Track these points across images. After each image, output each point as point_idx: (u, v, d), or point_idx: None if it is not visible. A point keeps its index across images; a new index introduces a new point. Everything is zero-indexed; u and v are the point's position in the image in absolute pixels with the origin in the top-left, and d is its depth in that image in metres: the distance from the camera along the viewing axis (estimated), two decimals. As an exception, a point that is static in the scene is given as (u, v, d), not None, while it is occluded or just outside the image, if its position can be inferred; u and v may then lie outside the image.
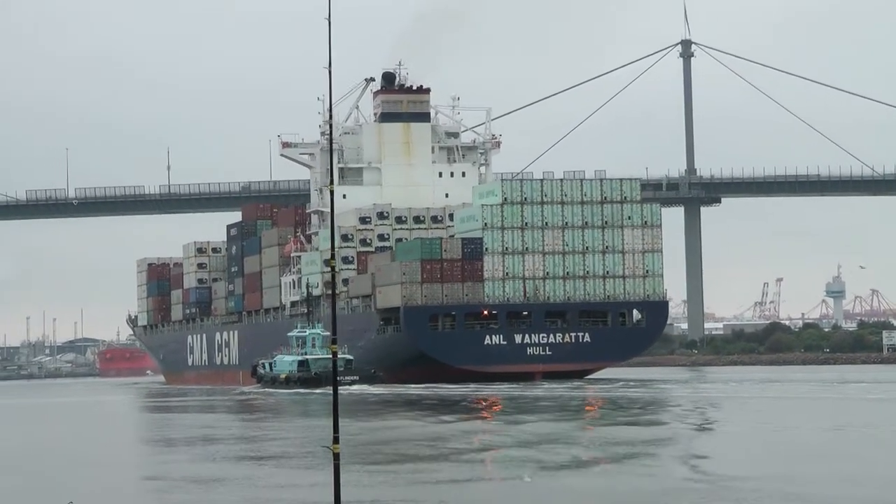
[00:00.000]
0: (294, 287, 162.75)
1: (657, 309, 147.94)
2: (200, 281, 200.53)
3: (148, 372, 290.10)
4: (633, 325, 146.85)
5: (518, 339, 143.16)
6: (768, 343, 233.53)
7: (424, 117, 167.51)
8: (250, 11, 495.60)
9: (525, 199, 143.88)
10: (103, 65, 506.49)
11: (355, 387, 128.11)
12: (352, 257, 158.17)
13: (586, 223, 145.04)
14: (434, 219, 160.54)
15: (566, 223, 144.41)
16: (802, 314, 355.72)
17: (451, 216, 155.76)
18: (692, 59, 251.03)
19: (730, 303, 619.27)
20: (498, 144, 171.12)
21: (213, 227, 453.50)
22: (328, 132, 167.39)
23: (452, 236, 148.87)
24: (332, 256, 24.50)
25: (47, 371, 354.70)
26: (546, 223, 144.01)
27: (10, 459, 56.40)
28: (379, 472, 45.92)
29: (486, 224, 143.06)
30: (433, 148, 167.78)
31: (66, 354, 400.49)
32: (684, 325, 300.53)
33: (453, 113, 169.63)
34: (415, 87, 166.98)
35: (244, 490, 42.38)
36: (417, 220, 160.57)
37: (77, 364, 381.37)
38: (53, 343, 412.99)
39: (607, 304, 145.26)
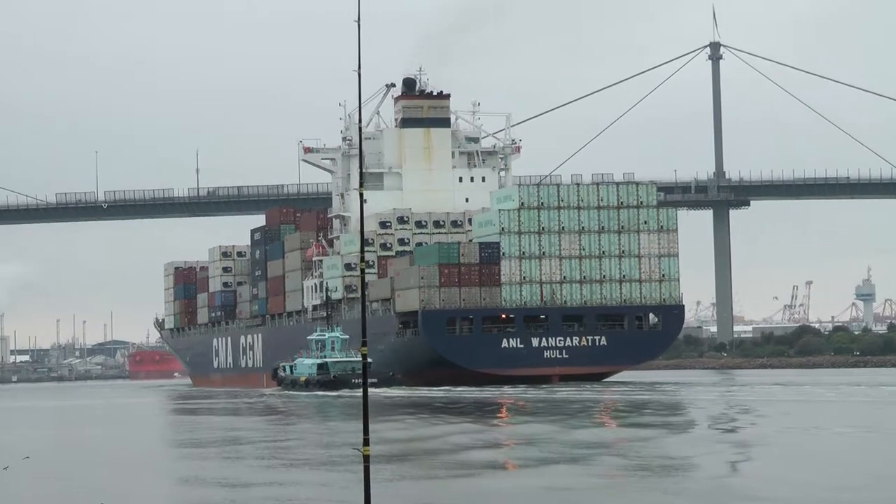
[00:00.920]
0: (316, 291, 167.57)
1: (673, 312, 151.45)
2: (225, 285, 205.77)
3: (175, 374, 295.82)
4: (649, 329, 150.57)
5: (535, 342, 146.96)
6: (798, 346, 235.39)
7: (445, 123, 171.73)
8: (281, 10, 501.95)
9: (542, 203, 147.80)
10: (133, 68, 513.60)
11: (371, 390, 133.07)
12: (372, 261, 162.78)
13: (603, 227, 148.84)
14: (454, 223, 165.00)
15: (583, 227, 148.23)
16: (832, 317, 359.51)
17: (470, 221, 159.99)
18: (721, 61, 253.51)
19: (759, 306, 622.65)
20: (518, 149, 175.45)
21: (241, 230, 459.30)
22: (350, 137, 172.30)
23: (471, 241, 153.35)
24: (362, 259, 25.21)
25: (77, 373, 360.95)
26: (563, 227, 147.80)
27: (42, 462, 56.70)
28: (407, 475, 46.49)
29: (503, 228, 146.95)
30: (453, 153, 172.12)
31: (96, 357, 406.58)
32: (713, 328, 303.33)
33: (473, 118, 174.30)
34: (435, 93, 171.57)
35: (273, 491, 42.98)
36: (437, 224, 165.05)
37: (107, 366, 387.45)
38: (83, 345, 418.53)
39: (624, 307, 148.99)
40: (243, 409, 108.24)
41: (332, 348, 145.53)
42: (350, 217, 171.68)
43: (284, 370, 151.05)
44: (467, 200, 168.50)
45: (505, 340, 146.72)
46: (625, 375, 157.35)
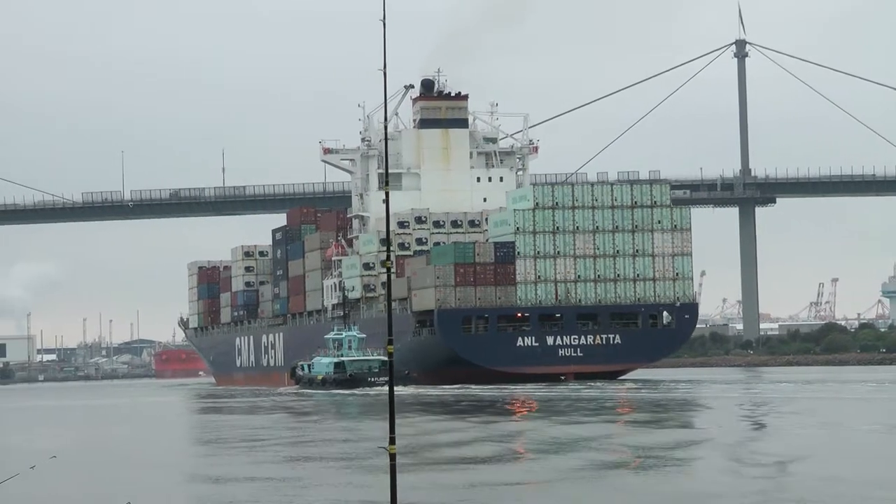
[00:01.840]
0: (335, 290, 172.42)
1: (687, 311, 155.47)
2: (248, 284, 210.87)
3: (200, 373, 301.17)
4: (663, 327, 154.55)
5: (550, 340, 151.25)
6: (824, 343, 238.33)
7: (463, 123, 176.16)
8: (306, 10, 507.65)
9: (556, 203, 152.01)
10: (158, 68, 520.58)
11: (386, 387, 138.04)
12: (391, 261, 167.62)
13: (617, 227, 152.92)
14: (471, 223, 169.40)
15: (597, 227, 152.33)
16: (858, 314, 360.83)
17: (487, 220, 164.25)
18: (746, 59, 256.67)
19: (785, 303, 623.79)
20: (535, 149, 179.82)
21: (265, 230, 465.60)
22: (368, 138, 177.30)
23: (487, 241, 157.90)
24: (388, 258, 25.37)
25: (104, 372, 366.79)
26: (577, 227, 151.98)
27: (69, 461, 57.28)
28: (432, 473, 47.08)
29: (518, 228, 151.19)
30: (471, 153, 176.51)
31: (123, 356, 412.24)
32: (739, 326, 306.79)
33: (491, 119, 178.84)
34: (453, 94, 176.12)
35: (298, 490, 43.39)
36: (455, 224, 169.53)
37: (133, 365, 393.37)
38: (110, 344, 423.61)
39: (638, 306, 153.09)
40: (262, 408, 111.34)
41: (350, 347, 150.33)
42: (369, 217, 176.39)
43: (302, 369, 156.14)
44: (485, 200, 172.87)
45: (520, 339, 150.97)
46: (645, 373, 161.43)
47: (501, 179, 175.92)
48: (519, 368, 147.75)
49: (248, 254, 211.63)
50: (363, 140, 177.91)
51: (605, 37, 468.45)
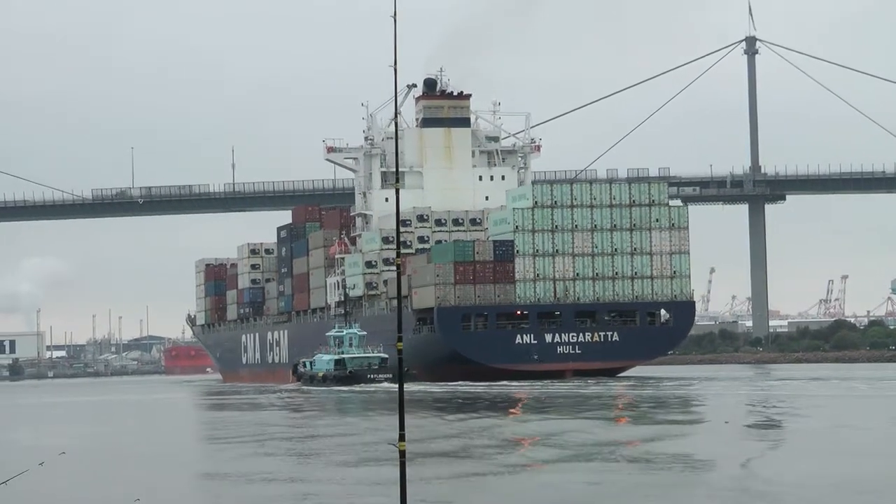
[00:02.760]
0: (338, 288, 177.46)
1: (684, 309, 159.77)
2: (254, 281, 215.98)
3: (208, 370, 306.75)
4: (660, 325, 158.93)
5: (548, 338, 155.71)
6: (833, 340, 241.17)
7: (465, 122, 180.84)
8: (315, 6, 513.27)
9: (555, 202, 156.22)
10: (168, 66, 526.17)
11: (385, 384, 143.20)
12: (393, 259, 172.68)
13: (615, 225, 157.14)
14: (473, 221, 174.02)
15: (595, 225, 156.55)
16: (868, 311, 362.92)
17: (489, 219, 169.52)
18: (756, 55, 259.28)
19: (794, 300, 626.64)
20: (538, 148, 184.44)
21: (273, 227, 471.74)
22: (371, 137, 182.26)
23: (487, 239, 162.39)
24: (398, 254, 25.96)
25: (113, 369, 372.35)
26: (576, 226, 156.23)
27: (77, 458, 57.91)
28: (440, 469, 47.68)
29: (517, 227, 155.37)
30: (473, 152, 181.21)
31: (132, 352, 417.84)
32: (749, 323, 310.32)
33: (494, 118, 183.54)
34: (456, 93, 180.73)
35: (308, 487, 43.97)
36: (456, 222, 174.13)
37: (143, 362, 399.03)
38: (119, 341, 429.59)
39: (635, 304, 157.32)
40: (264, 404, 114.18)
41: (350, 344, 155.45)
42: (372, 215, 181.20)
43: (304, 366, 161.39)
44: (487, 199, 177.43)
45: (519, 336, 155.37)
46: (653, 370, 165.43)
47: (503, 178, 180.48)
48: (518, 366, 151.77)
49: (254, 251, 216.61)
50: (366, 139, 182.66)
51: (614, 34, 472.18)
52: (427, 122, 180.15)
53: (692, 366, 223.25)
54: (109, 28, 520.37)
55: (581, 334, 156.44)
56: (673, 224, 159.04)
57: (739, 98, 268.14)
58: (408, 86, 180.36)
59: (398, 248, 26.03)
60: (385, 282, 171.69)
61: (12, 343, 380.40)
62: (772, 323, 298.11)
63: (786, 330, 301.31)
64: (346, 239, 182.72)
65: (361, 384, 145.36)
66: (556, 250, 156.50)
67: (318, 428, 75.46)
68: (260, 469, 50.42)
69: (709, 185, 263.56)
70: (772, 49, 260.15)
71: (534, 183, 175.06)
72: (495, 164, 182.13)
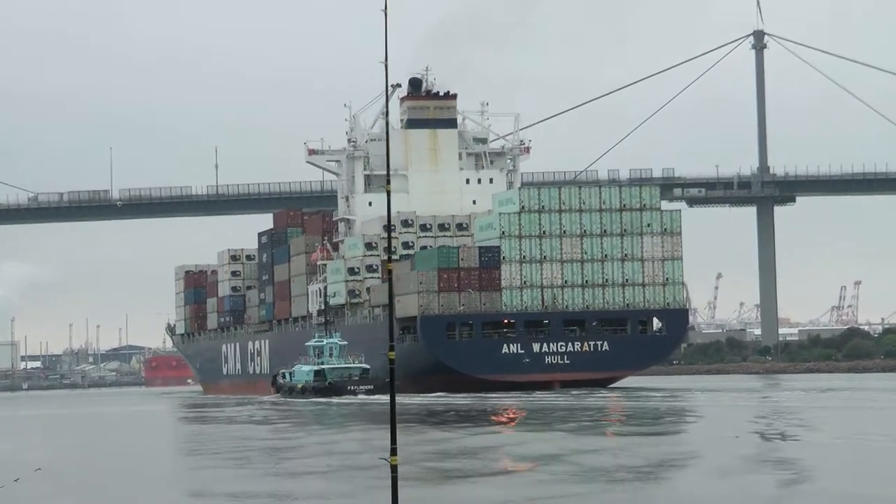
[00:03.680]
0: (319, 296, 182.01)
1: (677, 317, 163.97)
2: (234, 289, 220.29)
3: (189, 381, 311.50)
4: (652, 334, 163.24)
5: (536, 347, 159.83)
6: (846, 349, 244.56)
7: (451, 123, 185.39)
8: (301, 7, 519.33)
9: (543, 207, 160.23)
10: (149, 61, 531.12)
11: (362, 396, 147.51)
12: (376, 266, 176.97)
13: (605, 231, 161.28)
14: (459, 226, 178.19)
15: (584, 231, 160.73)
16: (882, 319, 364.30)
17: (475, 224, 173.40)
18: (765, 50, 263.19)
19: (805, 307, 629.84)
20: (527, 150, 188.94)
21: (257, 232, 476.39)
22: (354, 139, 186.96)
23: (474, 244, 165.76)
24: (389, 259, 26.88)
25: (91, 380, 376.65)
26: (564, 231, 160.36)
27: (54, 474, 58.35)
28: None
29: (503, 232, 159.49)
30: (460, 154, 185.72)
31: (111, 363, 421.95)
32: (757, 331, 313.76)
33: (482, 119, 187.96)
34: (441, 93, 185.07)
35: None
36: (442, 227, 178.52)
37: (122, 373, 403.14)
38: (97, 351, 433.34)
39: (626, 312, 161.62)
40: (238, 418, 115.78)
41: (331, 355, 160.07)
42: (355, 220, 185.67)
43: (284, 377, 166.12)
44: (474, 202, 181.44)
45: (506, 346, 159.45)
46: (656, 381, 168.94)
47: (491, 181, 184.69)
48: (504, 376, 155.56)
49: (234, 258, 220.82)
50: (349, 141, 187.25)
51: (614, 29, 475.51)
52: (412, 124, 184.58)
53: (697, 376, 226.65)
54: (87, 26, 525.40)
55: (570, 344, 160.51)
56: (665, 229, 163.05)
57: (747, 95, 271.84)
58: (392, 86, 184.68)
59: (389, 252, 28.90)
60: (368, 289, 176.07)
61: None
62: (781, 331, 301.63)
63: (796, 338, 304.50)
64: (328, 245, 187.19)
65: (342, 396, 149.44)
66: (544, 256, 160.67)
67: (299, 441, 76.83)
68: (241, 487, 50.52)
69: (715, 187, 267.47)
70: (781, 43, 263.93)
71: (522, 186, 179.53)
72: (483, 167, 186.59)
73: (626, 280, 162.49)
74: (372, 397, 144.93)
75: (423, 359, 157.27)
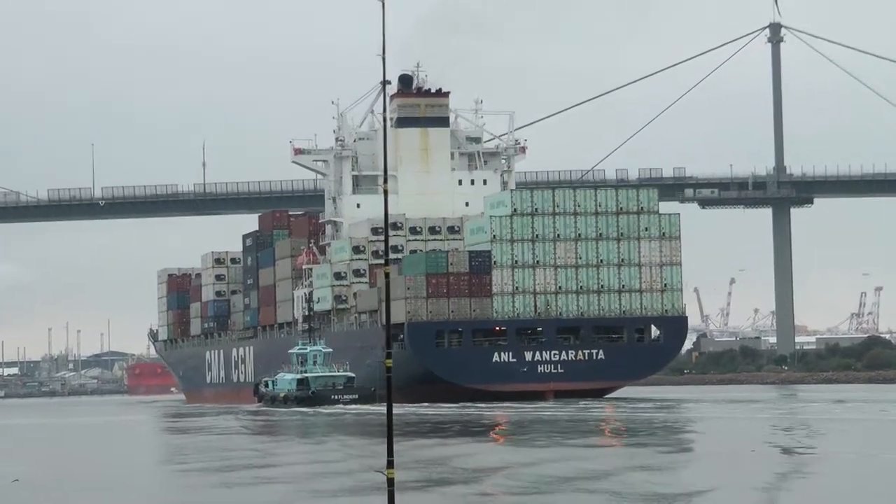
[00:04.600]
0: (305, 301, 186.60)
1: (675, 325, 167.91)
2: (218, 294, 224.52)
3: (172, 389, 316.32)
4: (650, 342, 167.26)
5: (528, 356, 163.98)
6: (866, 359, 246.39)
7: (443, 122, 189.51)
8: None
9: (536, 209, 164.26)
10: (132, 54, 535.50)
11: (351, 406, 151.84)
12: (363, 270, 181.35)
13: (601, 234, 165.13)
14: (451, 229, 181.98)
15: (579, 235, 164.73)
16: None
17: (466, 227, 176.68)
18: (782, 44, 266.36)
19: (823, 314, 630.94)
20: (523, 149, 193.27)
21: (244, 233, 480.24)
22: (342, 138, 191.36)
23: (459, 249, 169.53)
24: (387, 262, 28.10)
25: (71, 388, 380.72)
26: (558, 235, 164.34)
27: (32, 486, 59.59)
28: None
29: (494, 236, 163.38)
30: (453, 154, 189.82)
31: (92, 370, 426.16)
32: (772, 339, 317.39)
33: (475, 117, 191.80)
34: (433, 90, 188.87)
35: None
36: (433, 230, 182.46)
37: (103, 380, 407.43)
38: (77, 357, 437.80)
39: (623, 319, 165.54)
40: (221, 428, 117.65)
41: (314, 363, 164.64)
42: (342, 223, 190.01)
43: (266, 386, 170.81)
44: (467, 205, 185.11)
45: (496, 354, 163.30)
46: (666, 391, 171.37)
47: (485, 182, 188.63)
48: (495, 386, 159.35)
49: (218, 261, 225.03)
50: (337, 140, 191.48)
51: (621, 22, 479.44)
52: (402, 122, 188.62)
53: (709, 386, 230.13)
54: (66, 17, 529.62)
55: (564, 352, 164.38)
56: (664, 233, 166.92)
57: (762, 91, 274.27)
58: (381, 82, 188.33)
59: (387, 253, 28.15)
60: (355, 294, 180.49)
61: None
62: (798, 339, 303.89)
63: (814, 347, 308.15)
64: (314, 248, 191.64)
65: (325, 406, 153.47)
66: (537, 261, 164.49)
67: (285, 454, 78.10)
68: (231, 502, 51.50)
69: (729, 187, 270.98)
70: (798, 37, 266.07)
71: (514, 189, 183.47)
72: (477, 167, 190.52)
73: (623, 286, 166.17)
74: (356, 407, 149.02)
75: (410, 367, 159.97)
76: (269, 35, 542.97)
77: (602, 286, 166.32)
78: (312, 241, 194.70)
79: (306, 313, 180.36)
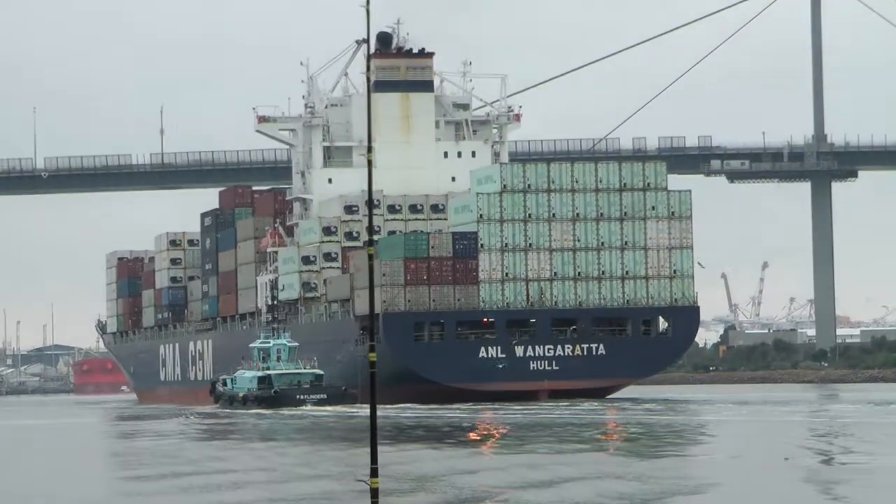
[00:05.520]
0: (269, 289, 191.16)
1: (686, 316, 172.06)
2: (174, 280, 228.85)
3: (123, 388, 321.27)
4: (657, 336, 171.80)
5: (519, 351, 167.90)
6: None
7: (427, 86, 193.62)
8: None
9: (528, 185, 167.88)
10: (78, 14, 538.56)
11: (308, 406, 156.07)
12: (335, 254, 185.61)
13: (602, 214, 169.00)
14: (434, 208, 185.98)
15: (577, 214, 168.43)
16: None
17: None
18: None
19: (869, 304, 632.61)
20: (518, 117, 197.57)
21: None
22: (312, 104, 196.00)
23: (441, 231, 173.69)
24: (371, 243, 28.90)
25: (9, 386, 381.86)
26: (553, 214, 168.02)
27: None
28: None
29: (481, 216, 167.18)
30: (437, 123, 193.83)
31: (33, 366, 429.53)
32: (811, 332, 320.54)
33: (464, 81, 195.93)
34: (416, 51, 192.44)
35: None
36: (414, 209, 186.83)
37: (46, 378, 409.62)
38: (16, 351, 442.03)
39: (626, 310, 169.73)
40: (172, 433, 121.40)
41: (278, 358, 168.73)
42: (312, 200, 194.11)
43: (224, 384, 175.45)
44: (454, 180, 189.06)
45: (483, 349, 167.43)
46: (672, 390, 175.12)
47: (474, 154, 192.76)
48: (482, 385, 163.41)
49: (174, 242, 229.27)
50: (306, 106, 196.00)
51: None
52: (380, 86, 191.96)
53: (738, 385, 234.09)
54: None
55: (559, 347, 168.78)
56: (673, 213, 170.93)
57: (801, 50, 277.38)
58: (357, 41, 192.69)
59: (371, 230, 28.97)
60: (325, 281, 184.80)
61: None
62: (840, 332, 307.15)
63: (857, 341, 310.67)
64: (280, 229, 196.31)
65: (289, 407, 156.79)
66: (530, 244, 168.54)
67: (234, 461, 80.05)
68: None
69: (761, 158, 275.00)
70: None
71: (508, 161, 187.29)
72: (464, 138, 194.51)
73: (627, 272, 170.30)
74: (325, 408, 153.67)
75: (386, 364, 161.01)
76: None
77: (603, 273, 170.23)
78: (278, 220, 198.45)
79: (270, 302, 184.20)
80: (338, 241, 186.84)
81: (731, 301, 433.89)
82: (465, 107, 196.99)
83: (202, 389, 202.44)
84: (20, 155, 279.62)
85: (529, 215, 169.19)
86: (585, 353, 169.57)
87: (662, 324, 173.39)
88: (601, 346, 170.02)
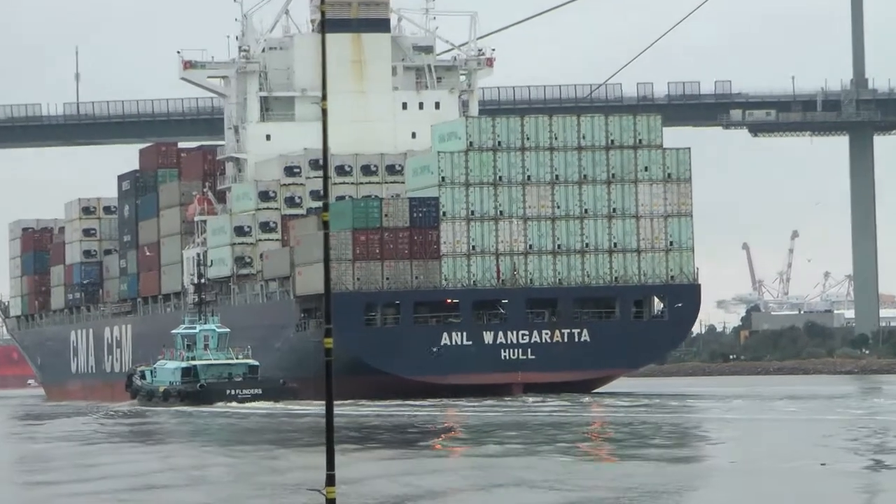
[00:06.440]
0: (196, 265, 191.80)
1: (685, 295, 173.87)
2: (88, 254, 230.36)
3: (30, 382, 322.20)
4: (651, 319, 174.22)
5: (488, 338, 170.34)
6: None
7: (383, 26, 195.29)
8: None
9: (499, 143, 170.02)
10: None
11: (249, 404, 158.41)
12: (274, 223, 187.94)
13: (585, 177, 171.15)
14: (390, 169, 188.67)
15: (557, 177, 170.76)
16: None
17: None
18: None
19: None
20: (490, 62, 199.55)
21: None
22: (247, 47, 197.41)
23: (397, 196, 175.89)
24: (325, 208, 29.48)
25: None
26: (528, 177, 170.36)
27: None
28: None
29: (443, 178, 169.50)
30: (395, 69, 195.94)
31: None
32: (849, 313, 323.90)
33: (426, 20, 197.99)
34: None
35: None
36: (367, 170, 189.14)
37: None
38: None
39: (614, 289, 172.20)
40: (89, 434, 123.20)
41: (206, 346, 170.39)
42: (246, 160, 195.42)
43: (142, 377, 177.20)
44: (414, 136, 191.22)
45: (446, 335, 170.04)
46: (681, 383, 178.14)
47: (437, 106, 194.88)
48: (444, 378, 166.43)
49: (87, 210, 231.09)
50: (240, 49, 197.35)
51: None
52: (328, 26, 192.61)
53: (763, 377, 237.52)
54: None
55: (536, 333, 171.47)
56: (669, 175, 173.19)
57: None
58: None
59: (326, 192, 29.27)
60: (262, 256, 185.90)
61: None
62: (883, 313, 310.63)
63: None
64: (209, 194, 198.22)
65: (218, 403, 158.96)
66: (500, 212, 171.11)
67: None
68: None
69: (790, 108, 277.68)
70: None
71: (468, 116, 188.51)
72: (427, 87, 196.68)
73: (615, 245, 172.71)
74: (259, 405, 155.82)
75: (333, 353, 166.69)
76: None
77: (587, 245, 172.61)
78: (208, 184, 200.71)
79: (197, 281, 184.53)
80: (277, 209, 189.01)
81: (755, 277, 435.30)
82: (428, 50, 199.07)
83: (119, 383, 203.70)
84: None
85: (500, 178, 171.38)
86: (566, 339, 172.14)
87: (657, 305, 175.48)
88: (585, 331, 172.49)
